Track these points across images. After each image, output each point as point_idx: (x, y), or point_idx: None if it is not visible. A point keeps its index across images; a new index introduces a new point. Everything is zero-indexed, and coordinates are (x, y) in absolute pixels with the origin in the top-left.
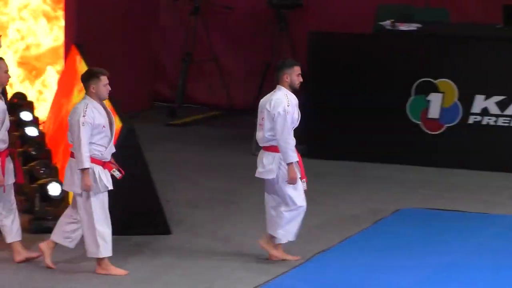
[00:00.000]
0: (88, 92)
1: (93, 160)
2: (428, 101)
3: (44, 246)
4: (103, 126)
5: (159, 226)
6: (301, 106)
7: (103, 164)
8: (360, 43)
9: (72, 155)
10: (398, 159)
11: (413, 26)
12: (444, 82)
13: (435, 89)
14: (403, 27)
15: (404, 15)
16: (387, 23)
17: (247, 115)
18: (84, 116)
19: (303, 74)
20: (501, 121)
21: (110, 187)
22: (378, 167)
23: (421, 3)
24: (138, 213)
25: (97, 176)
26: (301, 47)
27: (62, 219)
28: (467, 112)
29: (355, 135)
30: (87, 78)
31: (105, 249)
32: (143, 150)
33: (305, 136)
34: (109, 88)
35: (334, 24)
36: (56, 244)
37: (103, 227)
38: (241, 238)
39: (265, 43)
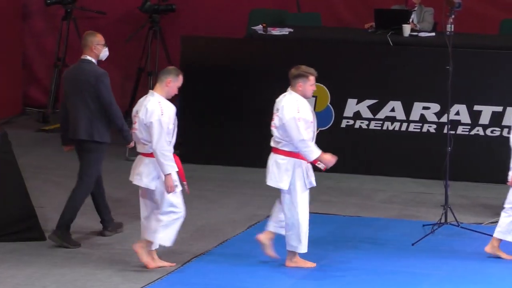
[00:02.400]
0: None
1: None
2: None
3: (263, 237)
4: None
5: (33, 232)
6: (176, 111)
7: None
8: (233, 47)
9: (276, 151)
10: None
11: (285, 31)
12: (316, 86)
13: None
14: (276, 31)
15: (276, 20)
16: (259, 28)
17: None
18: None
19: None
20: (373, 125)
21: None
22: (253, 171)
23: (293, 7)
24: (11, 219)
25: None
26: (175, 51)
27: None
28: (340, 116)
29: (230, 139)
30: None
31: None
32: (15, 155)
33: (179, 141)
34: None
35: (208, 28)
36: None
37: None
38: (118, 245)
39: (138, 48)
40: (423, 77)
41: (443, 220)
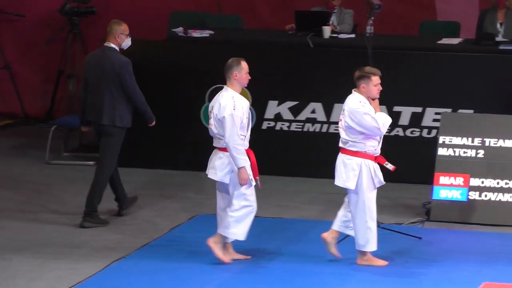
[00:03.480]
0: None
1: None
2: None
3: (327, 236)
4: None
5: None
6: None
7: None
8: (153, 49)
9: (343, 151)
10: (194, 165)
11: (206, 33)
12: None
13: None
14: (196, 33)
15: (197, 22)
16: (179, 30)
17: (41, 123)
18: None
19: None
20: (294, 127)
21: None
22: (174, 174)
23: (214, 10)
24: None
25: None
26: None
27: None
28: (261, 118)
29: (151, 142)
30: None
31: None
32: None
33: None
34: None
35: (129, 30)
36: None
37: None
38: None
39: (58, 50)
40: (343, 79)
41: None
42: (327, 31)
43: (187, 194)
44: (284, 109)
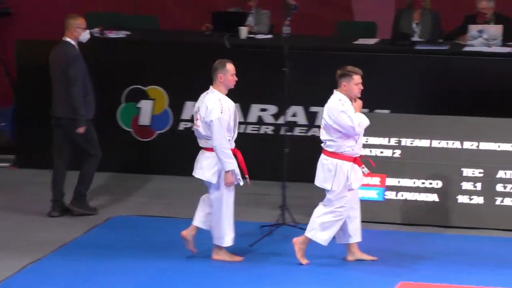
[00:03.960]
0: None
1: None
2: (139, 108)
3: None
4: None
5: None
6: (12, 114)
7: None
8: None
9: (322, 151)
10: (112, 166)
11: (122, 34)
12: (154, 89)
13: (145, 96)
14: (112, 34)
15: (113, 23)
16: (95, 31)
17: None
18: None
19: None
20: None
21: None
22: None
23: (130, 10)
24: None
25: None
26: (11, 55)
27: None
28: (178, 119)
29: None
30: None
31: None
32: None
33: (15, 145)
34: None
35: (44, 31)
36: None
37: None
38: None
39: None
40: (260, 79)
41: (280, 221)
42: (243, 31)
43: (105, 196)
44: None
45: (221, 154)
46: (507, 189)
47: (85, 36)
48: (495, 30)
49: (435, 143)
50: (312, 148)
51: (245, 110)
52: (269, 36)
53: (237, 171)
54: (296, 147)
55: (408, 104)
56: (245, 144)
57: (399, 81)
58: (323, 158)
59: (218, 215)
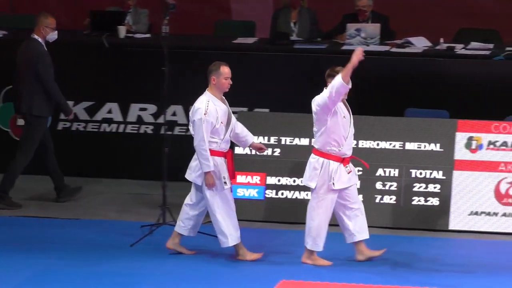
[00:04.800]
0: None
1: None
2: None
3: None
4: None
5: None
6: None
7: None
8: None
9: (313, 150)
10: None
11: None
12: None
13: None
14: None
15: None
16: None
17: None
18: None
19: None
20: (90, 127)
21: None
22: None
23: (7, 9)
24: None
25: None
26: None
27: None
28: (56, 118)
29: None
30: None
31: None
32: None
33: None
34: None
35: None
36: None
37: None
38: None
39: None
40: (139, 79)
41: (161, 221)
42: (122, 31)
43: None
44: (80, 109)
45: (199, 155)
46: (386, 187)
47: (52, 36)
48: (373, 29)
49: None
50: (192, 147)
51: (124, 110)
52: (148, 35)
53: (225, 174)
54: (176, 147)
55: (287, 103)
56: (124, 144)
57: (278, 80)
58: (311, 156)
59: (212, 218)
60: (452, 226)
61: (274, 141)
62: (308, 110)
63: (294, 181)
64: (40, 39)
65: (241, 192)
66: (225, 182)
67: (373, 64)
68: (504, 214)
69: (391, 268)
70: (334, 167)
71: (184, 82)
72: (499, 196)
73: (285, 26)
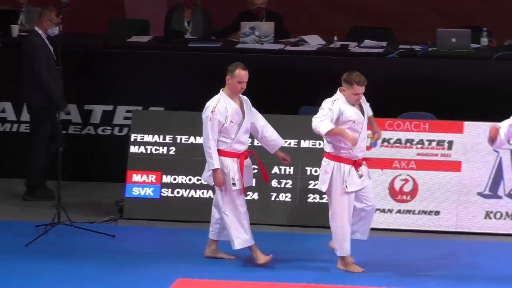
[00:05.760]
0: None
1: None
2: None
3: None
4: None
5: None
6: None
7: None
8: None
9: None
10: None
11: None
12: None
13: None
14: None
15: None
16: None
17: None
18: None
19: None
20: None
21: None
22: None
23: None
24: None
25: None
26: None
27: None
28: None
29: None
30: None
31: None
32: None
33: None
34: None
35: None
36: None
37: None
38: None
39: None
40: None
41: (56, 220)
42: (15, 29)
43: None
44: None
45: (205, 153)
46: (282, 185)
47: (53, 31)
48: (267, 27)
49: None
50: (86, 147)
51: (18, 109)
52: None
53: (236, 176)
54: (71, 146)
55: (183, 102)
56: (21, 143)
57: (173, 78)
58: (323, 160)
59: (223, 218)
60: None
61: (169, 140)
62: (202, 108)
63: (190, 179)
64: (41, 32)
65: (137, 191)
66: (234, 184)
67: (268, 63)
68: (399, 211)
69: (288, 266)
70: (346, 169)
71: (79, 81)
72: (394, 193)
73: (179, 25)
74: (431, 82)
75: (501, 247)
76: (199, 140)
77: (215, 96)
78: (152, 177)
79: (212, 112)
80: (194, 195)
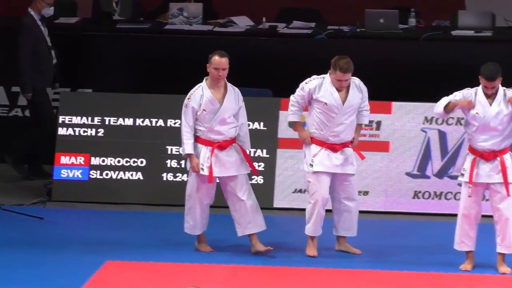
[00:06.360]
0: None
1: None
2: None
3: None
4: None
5: None
6: None
7: None
8: None
9: None
10: None
11: None
12: None
13: None
14: None
15: None
16: None
17: None
18: None
19: None
20: None
21: None
22: None
23: None
24: None
25: None
26: None
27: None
28: None
29: None
30: None
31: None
32: None
33: None
34: None
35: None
36: None
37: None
38: None
39: None
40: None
41: None
42: None
43: None
44: None
45: (181, 137)
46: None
47: (48, 11)
48: (195, 8)
49: (139, 122)
50: (13, 129)
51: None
52: None
53: (205, 164)
54: None
55: (111, 83)
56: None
57: (101, 60)
58: None
59: None
60: (277, 204)
61: (98, 122)
62: (131, 90)
63: (119, 161)
64: (33, 12)
65: (65, 173)
66: (202, 169)
67: (196, 44)
68: None
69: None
70: (316, 151)
71: (4, 63)
72: None
73: (107, 5)
74: (359, 62)
75: (428, 226)
76: (128, 121)
77: (199, 84)
78: (80, 159)
79: (188, 99)
80: (123, 177)
